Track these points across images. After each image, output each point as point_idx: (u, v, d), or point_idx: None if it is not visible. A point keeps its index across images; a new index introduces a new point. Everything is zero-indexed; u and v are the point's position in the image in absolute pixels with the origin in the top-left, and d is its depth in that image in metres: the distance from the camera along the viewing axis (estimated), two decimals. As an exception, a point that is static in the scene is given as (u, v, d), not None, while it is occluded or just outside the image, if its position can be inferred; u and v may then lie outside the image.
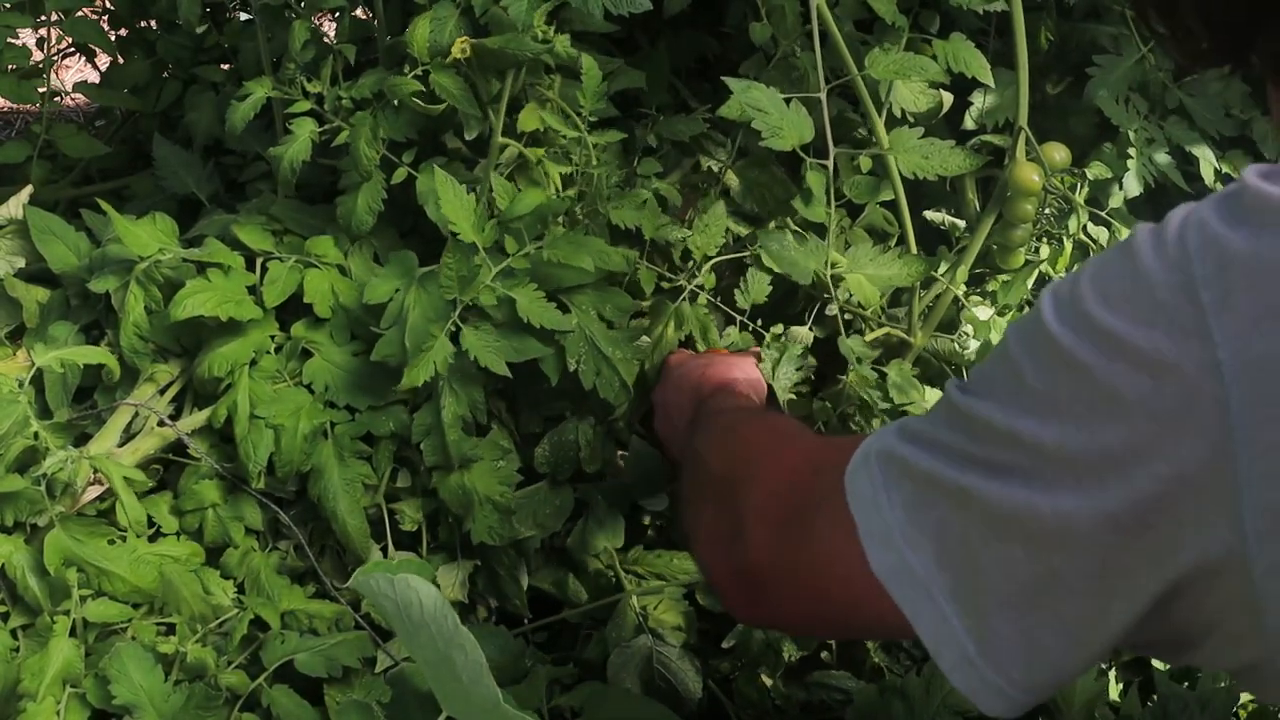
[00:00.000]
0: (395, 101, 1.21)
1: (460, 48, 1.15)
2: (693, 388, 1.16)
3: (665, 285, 1.29)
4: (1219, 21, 0.61)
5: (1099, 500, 0.53)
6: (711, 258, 1.28)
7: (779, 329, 1.26)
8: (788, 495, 0.73)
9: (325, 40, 1.33)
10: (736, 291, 1.27)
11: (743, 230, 1.34)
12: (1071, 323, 0.54)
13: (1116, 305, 0.52)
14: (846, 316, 1.24)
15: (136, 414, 1.21)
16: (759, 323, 1.27)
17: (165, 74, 1.57)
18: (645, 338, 1.24)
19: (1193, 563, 0.52)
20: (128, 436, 1.21)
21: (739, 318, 1.27)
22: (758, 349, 1.25)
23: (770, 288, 1.27)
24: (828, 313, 1.24)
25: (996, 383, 0.59)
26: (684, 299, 1.27)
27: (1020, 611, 0.57)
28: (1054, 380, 0.55)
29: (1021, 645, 0.58)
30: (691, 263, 1.29)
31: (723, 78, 1.14)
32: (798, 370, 1.24)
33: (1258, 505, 0.49)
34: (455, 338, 1.12)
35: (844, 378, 1.25)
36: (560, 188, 1.23)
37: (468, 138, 1.23)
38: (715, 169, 1.37)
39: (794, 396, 1.24)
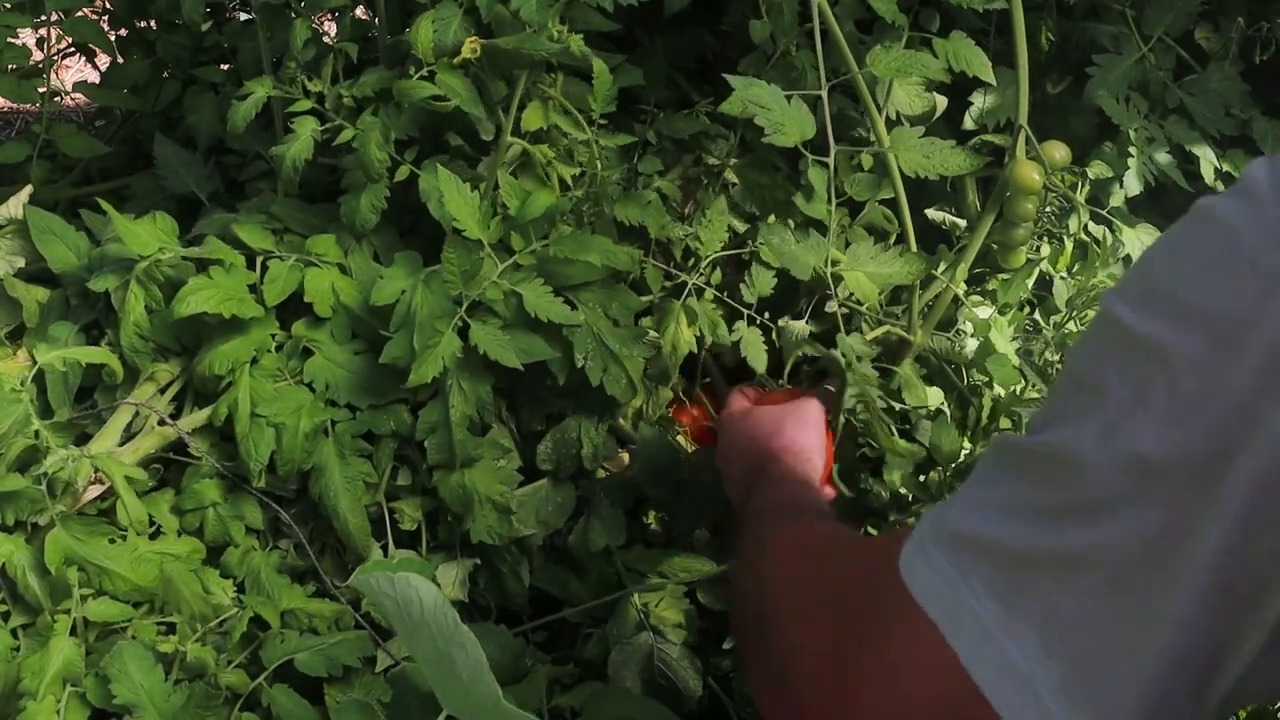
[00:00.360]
0: (401, 102, 1.21)
1: (470, 48, 1.15)
2: (744, 465, 1.13)
3: (667, 284, 1.29)
4: None
5: (1220, 511, 0.46)
6: (715, 254, 1.28)
7: (783, 322, 1.26)
8: (838, 623, 0.64)
9: (326, 39, 1.33)
10: (742, 286, 1.27)
11: (742, 226, 1.34)
12: (1150, 307, 0.49)
13: (1203, 279, 0.48)
14: (845, 313, 1.24)
15: (137, 413, 1.21)
16: (766, 315, 1.27)
17: (165, 74, 1.57)
18: (653, 333, 1.24)
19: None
20: (128, 435, 1.21)
21: (746, 311, 1.27)
22: (828, 386, 1.22)
23: (774, 281, 1.27)
24: (827, 309, 1.24)
25: (1071, 407, 0.52)
26: (689, 295, 1.26)
27: (1156, 685, 0.49)
28: (1137, 375, 0.49)
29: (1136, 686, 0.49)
30: (694, 259, 1.29)
31: (724, 75, 1.14)
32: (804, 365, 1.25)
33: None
34: (463, 334, 1.12)
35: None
36: (566, 186, 1.23)
37: (483, 138, 1.24)
38: (715, 165, 1.37)
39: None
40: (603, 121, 1.21)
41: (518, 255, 1.16)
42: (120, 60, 1.61)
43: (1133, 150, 1.35)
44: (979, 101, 1.37)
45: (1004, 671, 0.51)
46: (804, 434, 1.14)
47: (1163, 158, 1.36)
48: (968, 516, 0.56)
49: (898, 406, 1.25)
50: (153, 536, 1.18)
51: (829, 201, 1.20)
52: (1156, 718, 0.49)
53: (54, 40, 1.55)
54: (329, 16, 1.63)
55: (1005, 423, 1.24)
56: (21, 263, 1.32)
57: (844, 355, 1.19)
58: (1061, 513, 0.50)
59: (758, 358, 1.24)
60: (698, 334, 1.25)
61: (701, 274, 1.28)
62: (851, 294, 1.24)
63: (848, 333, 1.23)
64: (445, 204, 1.15)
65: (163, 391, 1.23)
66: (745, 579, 0.84)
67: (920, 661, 0.55)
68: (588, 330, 1.17)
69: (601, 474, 1.29)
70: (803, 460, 1.10)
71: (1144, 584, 0.48)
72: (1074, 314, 1.26)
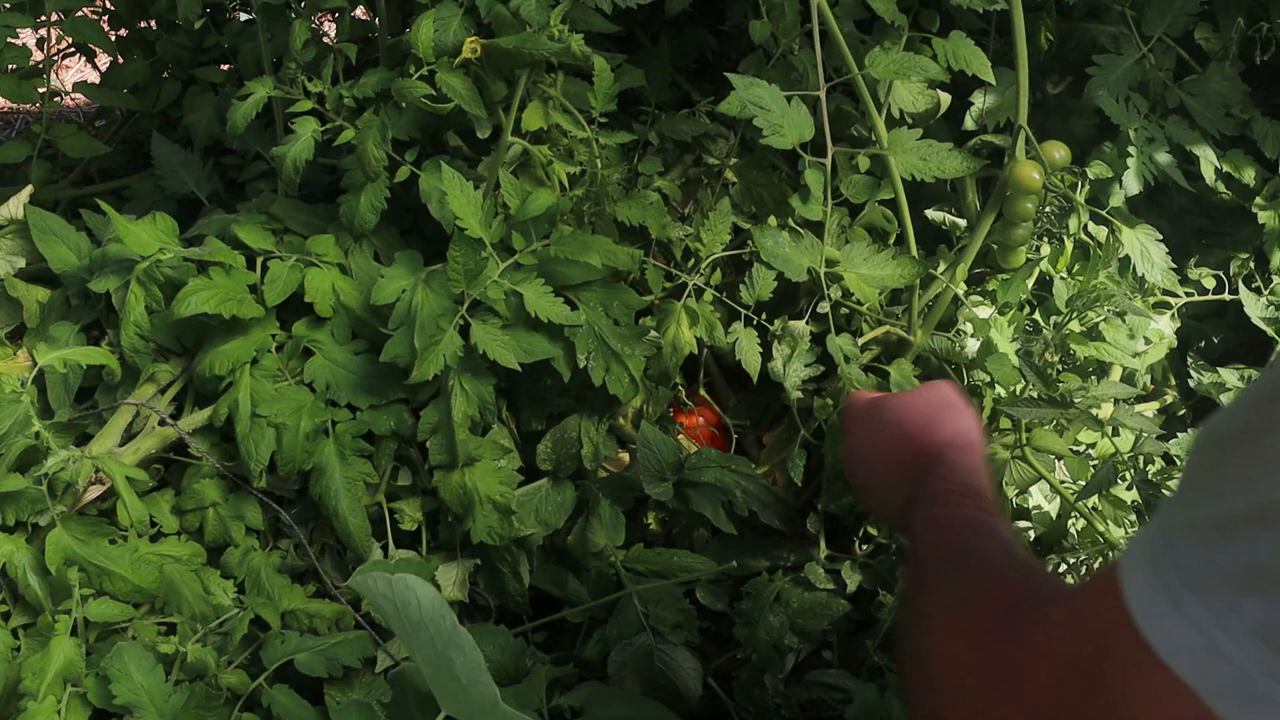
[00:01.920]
0: (400, 102, 1.21)
1: (471, 47, 1.15)
2: (898, 467, 0.98)
3: (667, 284, 1.29)
4: None
5: None
6: (716, 255, 1.28)
7: (781, 323, 1.26)
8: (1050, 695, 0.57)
9: (325, 40, 1.33)
10: (741, 287, 1.27)
11: (744, 224, 1.34)
12: None
13: None
14: (844, 313, 1.24)
15: (137, 413, 1.22)
16: (764, 316, 1.27)
17: (165, 74, 1.57)
18: (654, 332, 1.24)
19: None
20: (129, 436, 1.21)
21: (744, 312, 1.27)
22: (948, 383, 1.10)
23: (775, 283, 1.27)
24: (819, 310, 1.24)
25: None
26: (689, 295, 1.26)
27: None
28: None
29: None
30: (694, 260, 1.29)
31: (726, 74, 1.14)
32: (807, 367, 1.23)
33: None
34: (464, 333, 1.13)
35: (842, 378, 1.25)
36: (566, 186, 1.24)
37: (481, 137, 1.24)
38: (715, 165, 1.37)
39: (801, 394, 1.23)
40: (603, 120, 1.21)
41: (519, 255, 1.17)
42: (120, 60, 1.61)
43: (1132, 150, 1.35)
44: (979, 101, 1.37)
45: None
46: (965, 420, 0.99)
47: (1163, 158, 1.36)
48: (1205, 545, 0.48)
49: None
50: (153, 538, 1.18)
51: (826, 203, 1.20)
52: None
53: (54, 40, 1.55)
54: (329, 17, 1.63)
55: (1005, 423, 1.24)
56: (22, 263, 1.32)
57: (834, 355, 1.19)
58: None
59: (752, 359, 1.24)
60: (698, 335, 1.25)
61: (701, 274, 1.28)
62: (850, 294, 1.24)
63: (848, 333, 1.23)
64: (449, 203, 1.15)
65: (163, 392, 1.23)
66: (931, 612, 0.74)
67: None
68: (589, 330, 1.18)
69: (602, 474, 1.29)
70: (972, 452, 0.94)
71: None
72: (1074, 314, 1.26)
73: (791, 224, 1.27)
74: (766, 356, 1.25)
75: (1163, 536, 0.50)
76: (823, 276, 1.21)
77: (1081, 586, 0.66)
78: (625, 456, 1.31)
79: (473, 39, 1.16)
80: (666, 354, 1.24)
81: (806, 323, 1.26)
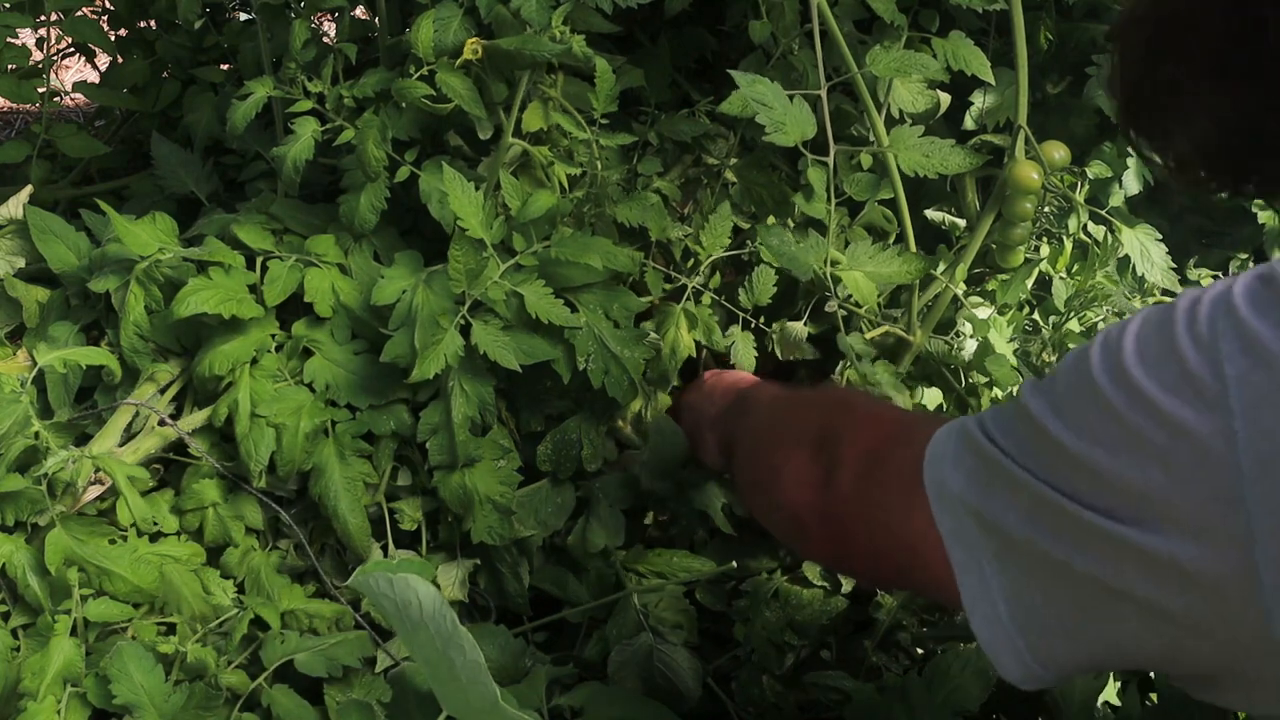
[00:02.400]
0: (401, 103, 1.21)
1: (472, 48, 1.15)
2: (730, 383, 1.25)
3: (666, 286, 1.29)
4: (1213, 152, 0.66)
5: (1129, 529, 0.57)
6: (715, 257, 1.28)
7: (780, 325, 1.26)
8: (874, 456, 0.80)
9: (325, 40, 1.33)
10: (741, 290, 1.27)
11: (745, 224, 1.34)
12: (1111, 374, 0.59)
13: (1150, 367, 0.57)
14: (844, 313, 1.24)
15: (137, 413, 1.22)
16: (761, 320, 1.27)
17: (165, 74, 1.57)
18: (653, 335, 1.24)
19: (1208, 612, 0.55)
20: (128, 436, 1.21)
21: (742, 315, 1.27)
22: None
23: (774, 288, 1.27)
24: (826, 309, 1.24)
25: (1064, 404, 0.62)
26: (688, 298, 1.26)
27: (1052, 594, 0.62)
28: (1096, 415, 0.59)
29: (1048, 623, 0.63)
30: (693, 261, 1.29)
31: (729, 71, 1.14)
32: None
33: (1271, 558, 0.52)
34: (464, 333, 1.13)
35: (839, 378, 1.25)
36: (566, 187, 1.24)
37: (482, 138, 1.24)
38: (714, 165, 1.37)
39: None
40: (604, 121, 1.21)
41: (519, 256, 1.17)
42: (120, 60, 1.61)
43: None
44: (978, 101, 1.37)
45: (960, 534, 0.66)
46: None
47: (1162, 158, 1.36)
48: (979, 428, 0.67)
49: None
50: (153, 538, 1.18)
51: (829, 201, 1.20)
52: (1052, 621, 0.63)
53: (54, 40, 1.55)
54: (329, 17, 1.63)
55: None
56: (21, 263, 1.32)
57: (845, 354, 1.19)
58: (1027, 459, 0.63)
59: (747, 361, 1.25)
60: (697, 339, 1.25)
61: (701, 275, 1.28)
62: (850, 295, 1.24)
63: (847, 333, 1.23)
64: (450, 203, 1.15)
65: (163, 392, 1.23)
66: (804, 411, 0.99)
67: (908, 515, 0.70)
68: (589, 332, 1.18)
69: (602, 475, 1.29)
70: (775, 385, 1.21)
71: (1055, 525, 0.61)
72: (1073, 314, 1.27)
73: (793, 224, 1.27)
74: (762, 359, 1.25)
75: (982, 425, 0.69)
76: (828, 276, 1.21)
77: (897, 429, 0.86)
78: (624, 460, 1.31)
79: (474, 40, 1.16)
80: (665, 357, 1.24)
81: (805, 324, 1.26)
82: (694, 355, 1.26)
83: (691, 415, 1.27)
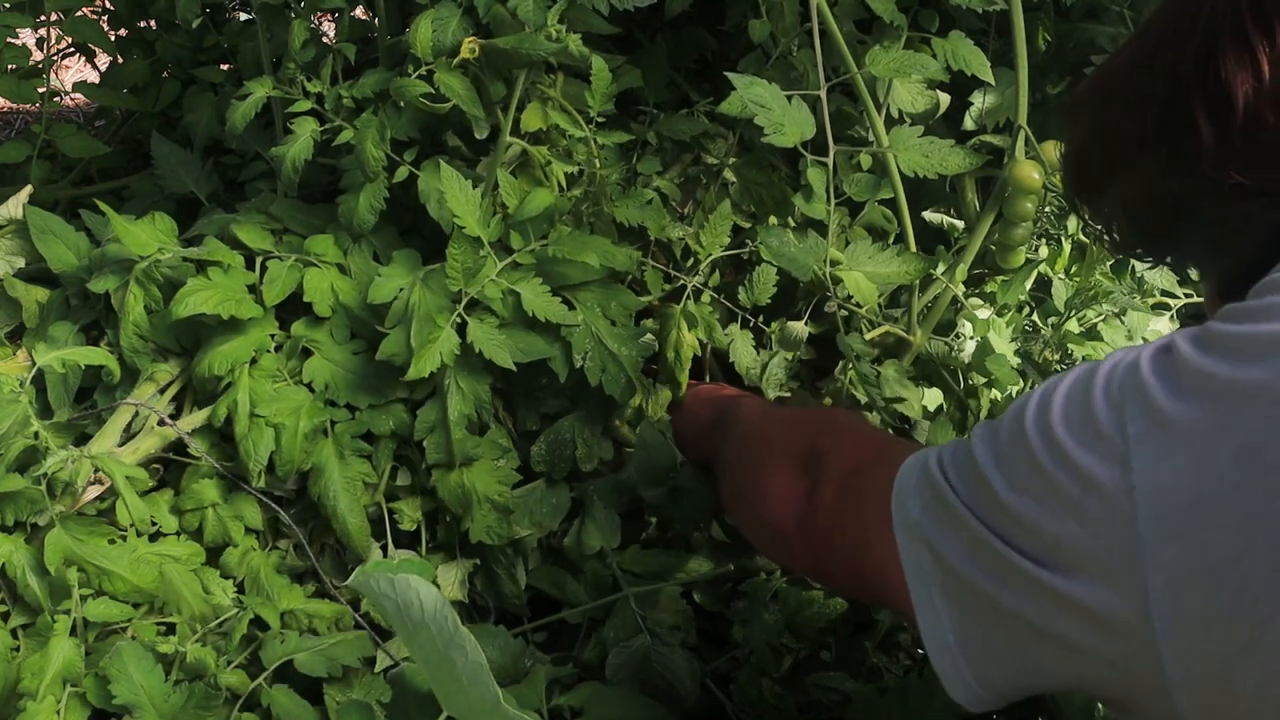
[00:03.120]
0: (399, 103, 1.21)
1: (469, 48, 1.15)
2: (710, 396, 1.28)
3: (666, 286, 1.30)
4: (1144, 224, 0.73)
5: (1049, 574, 0.62)
6: (715, 256, 1.28)
7: (780, 324, 1.26)
8: (856, 475, 0.85)
9: (325, 40, 1.33)
10: (741, 289, 1.27)
11: (745, 224, 1.34)
12: (1040, 428, 0.63)
13: (1071, 426, 0.61)
14: (845, 314, 1.24)
15: (137, 413, 1.22)
16: (760, 319, 1.27)
17: (165, 74, 1.57)
18: (650, 336, 1.24)
19: (1114, 651, 0.60)
20: (128, 436, 1.21)
21: (741, 314, 1.27)
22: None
23: (774, 287, 1.27)
24: (826, 310, 1.24)
25: (1002, 454, 0.66)
26: (688, 298, 1.26)
27: (986, 625, 0.67)
28: (1025, 468, 0.63)
29: (985, 651, 0.68)
30: (693, 260, 1.29)
31: (726, 73, 1.14)
32: (785, 370, 1.25)
33: (1162, 609, 0.57)
34: (461, 331, 1.13)
35: (841, 377, 1.25)
36: (564, 186, 1.24)
37: (478, 137, 1.24)
38: (714, 164, 1.37)
39: (787, 394, 1.24)
40: (601, 120, 1.21)
41: (516, 254, 1.17)
42: (120, 60, 1.61)
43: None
44: (978, 101, 1.37)
45: (916, 565, 0.70)
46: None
47: (1162, 158, 1.36)
48: (937, 465, 0.70)
49: (888, 397, 1.25)
50: (152, 538, 1.18)
51: (828, 202, 1.20)
52: (991, 650, 0.67)
53: (54, 40, 1.55)
54: (328, 17, 1.63)
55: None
56: (21, 263, 1.32)
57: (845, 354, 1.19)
58: (972, 502, 0.66)
59: (746, 361, 1.25)
60: (699, 337, 1.26)
61: (700, 274, 1.28)
62: (850, 295, 1.24)
63: (846, 334, 1.23)
64: (447, 202, 1.15)
65: (162, 392, 1.23)
66: (789, 429, 1.04)
67: (880, 539, 0.74)
68: (586, 330, 1.18)
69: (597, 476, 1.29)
70: (756, 399, 1.24)
71: (992, 567, 0.65)
72: (1072, 314, 1.27)
73: (793, 224, 1.27)
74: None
75: (949, 458, 0.71)
76: (828, 276, 1.21)
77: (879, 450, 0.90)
78: (620, 460, 1.31)
79: (471, 39, 1.16)
80: (670, 359, 1.24)
81: (805, 324, 1.26)
82: (699, 355, 1.27)
83: (677, 428, 1.29)
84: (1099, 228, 0.78)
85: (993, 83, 1.28)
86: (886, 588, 0.75)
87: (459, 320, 1.13)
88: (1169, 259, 0.80)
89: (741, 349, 1.26)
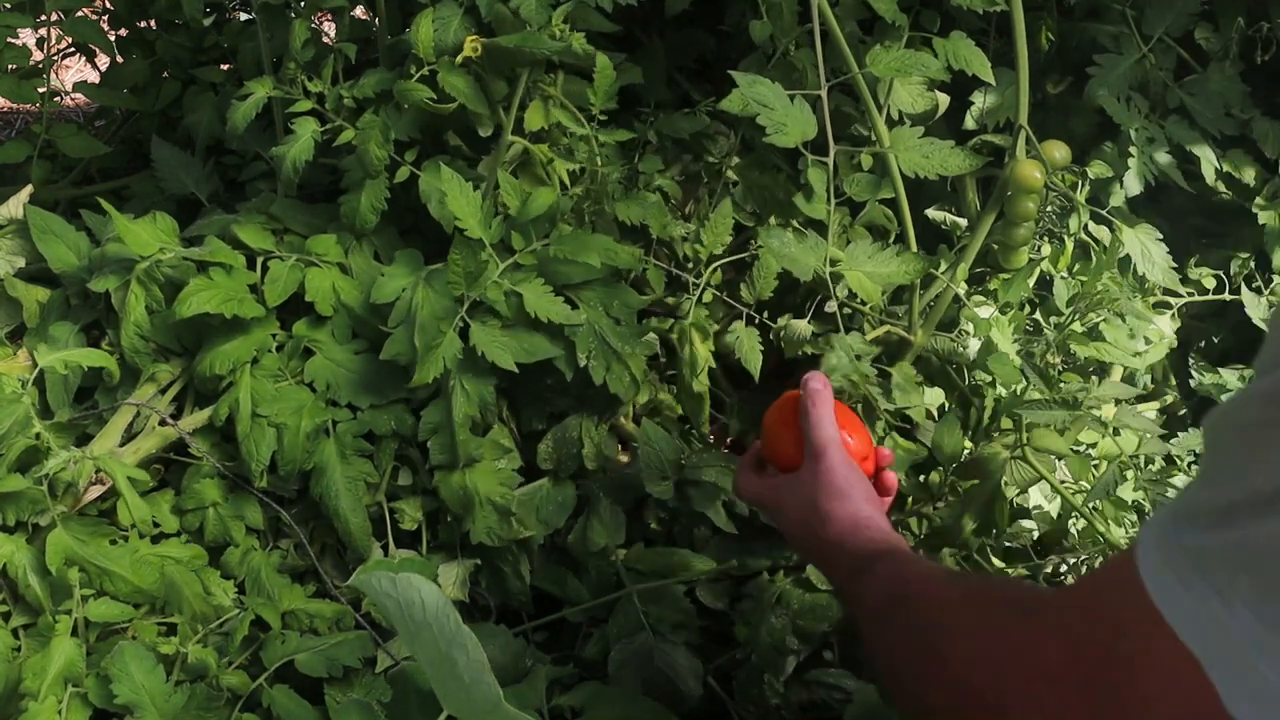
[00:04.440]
0: (401, 103, 1.21)
1: (472, 46, 1.15)
2: (819, 551, 0.97)
3: (669, 299, 1.30)
4: None
5: None
6: (718, 255, 1.28)
7: (785, 320, 1.26)
8: (1068, 669, 0.60)
9: (325, 40, 1.33)
10: (743, 285, 1.27)
11: (748, 221, 1.34)
12: None
13: None
14: (846, 313, 1.24)
15: (138, 413, 1.21)
16: (765, 315, 1.27)
17: (165, 74, 1.57)
18: (652, 335, 1.24)
19: None
20: (129, 436, 1.21)
21: (745, 310, 1.27)
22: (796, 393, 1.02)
23: (776, 281, 1.27)
24: (827, 309, 1.24)
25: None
26: (695, 306, 1.26)
27: None
28: None
29: None
30: (693, 261, 1.29)
31: (729, 71, 1.14)
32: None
33: None
34: (464, 334, 1.13)
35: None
36: (567, 184, 1.24)
37: (482, 135, 1.24)
38: (715, 163, 1.37)
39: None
40: (603, 118, 1.21)
41: (518, 255, 1.17)
42: (120, 60, 1.61)
43: (1133, 150, 1.35)
44: (979, 101, 1.37)
45: (1261, 694, 0.49)
46: (837, 504, 0.95)
47: (1163, 158, 1.36)
48: (1203, 531, 0.52)
49: (897, 406, 1.25)
50: (154, 538, 1.18)
51: (829, 201, 1.20)
52: None
53: (54, 40, 1.55)
54: (329, 17, 1.63)
55: (1006, 423, 1.24)
56: (21, 263, 1.32)
57: (845, 354, 1.19)
58: None
59: (753, 358, 1.24)
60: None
61: (702, 274, 1.27)
62: (854, 295, 1.24)
63: (848, 332, 1.22)
64: (448, 203, 1.15)
65: (163, 392, 1.23)
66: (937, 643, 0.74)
67: (1174, 693, 0.53)
68: (590, 329, 1.18)
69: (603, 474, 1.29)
70: (861, 527, 0.93)
71: None
72: (1075, 314, 1.26)
73: (794, 224, 1.27)
74: (769, 355, 1.25)
75: (1171, 522, 0.54)
76: (828, 275, 1.21)
77: (1088, 577, 0.71)
78: (625, 458, 1.30)
79: (473, 37, 1.16)
80: (686, 374, 1.24)
81: (809, 323, 1.26)
82: (713, 366, 1.25)
83: (793, 527, 1.00)
84: None
85: (993, 82, 1.28)
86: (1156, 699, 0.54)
87: (462, 324, 1.13)
88: None
89: (748, 346, 1.25)
